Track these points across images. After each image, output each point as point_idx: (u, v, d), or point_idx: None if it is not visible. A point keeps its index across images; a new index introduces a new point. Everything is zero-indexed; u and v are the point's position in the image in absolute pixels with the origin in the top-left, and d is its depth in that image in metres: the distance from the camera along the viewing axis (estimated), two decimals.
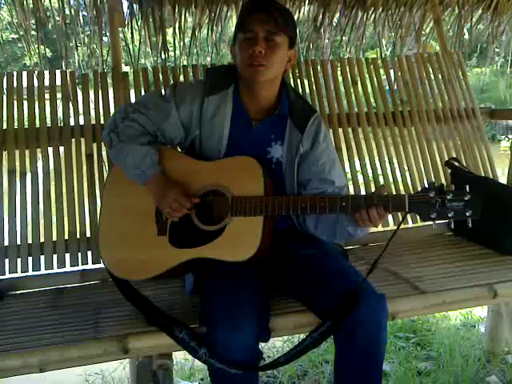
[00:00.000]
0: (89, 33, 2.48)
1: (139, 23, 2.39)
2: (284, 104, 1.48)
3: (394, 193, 2.07)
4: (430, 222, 1.28)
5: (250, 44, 1.37)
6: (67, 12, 2.36)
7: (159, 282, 1.57)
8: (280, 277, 1.47)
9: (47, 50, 2.85)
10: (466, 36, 2.94)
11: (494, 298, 1.51)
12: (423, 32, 2.80)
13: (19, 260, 1.74)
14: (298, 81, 2.13)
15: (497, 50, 3.48)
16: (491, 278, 1.58)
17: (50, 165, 1.83)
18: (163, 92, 1.52)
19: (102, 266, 1.54)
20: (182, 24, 2.46)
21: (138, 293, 1.44)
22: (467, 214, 1.23)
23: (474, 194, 1.22)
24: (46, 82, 1.92)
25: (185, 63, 2.50)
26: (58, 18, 2.37)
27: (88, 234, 1.80)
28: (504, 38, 3.17)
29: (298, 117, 1.48)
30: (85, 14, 2.46)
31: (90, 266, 1.78)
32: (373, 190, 2.05)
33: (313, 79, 2.14)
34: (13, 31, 2.55)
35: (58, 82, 1.93)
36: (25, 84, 1.90)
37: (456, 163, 2.09)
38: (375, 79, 2.22)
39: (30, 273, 1.74)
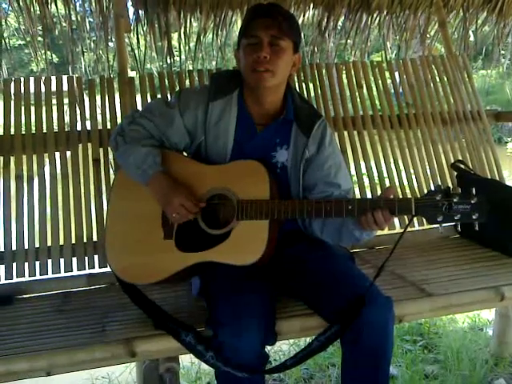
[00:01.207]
0: (95, 38, 2.50)
1: (145, 28, 2.41)
2: (289, 109, 1.48)
3: (400, 195, 2.07)
4: (437, 225, 1.28)
5: (255, 49, 1.37)
6: (73, 18, 2.38)
7: (165, 286, 1.57)
8: (286, 279, 1.47)
9: (54, 55, 2.87)
10: (472, 38, 2.93)
11: (501, 301, 1.51)
12: (428, 35, 2.80)
13: (26, 264, 1.75)
14: (303, 84, 2.14)
15: (502, 52, 3.47)
16: (498, 280, 1.57)
17: (57, 169, 1.85)
18: (169, 99, 1.54)
19: (108, 269, 1.54)
20: (188, 29, 2.48)
21: (144, 296, 1.45)
22: (474, 216, 1.22)
23: (480, 197, 1.22)
24: (53, 88, 1.94)
25: (190, 68, 2.51)
26: (64, 24, 2.39)
27: (95, 238, 1.81)
28: (510, 40, 3.16)
29: (304, 121, 1.48)
30: (91, 19, 2.48)
31: (96, 269, 1.78)
32: (379, 192, 2.04)
33: (318, 83, 2.14)
34: (20, 37, 2.57)
35: (65, 87, 1.95)
36: (32, 90, 1.92)
37: (462, 165, 2.09)
38: (380, 82, 2.22)
39: (38, 277, 1.75)
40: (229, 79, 1.50)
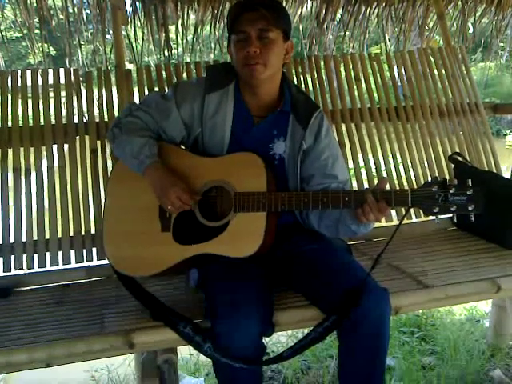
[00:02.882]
0: (92, 31, 2.48)
1: (142, 21, 2.39)
2: (286, 100, 1.48)
3: (398, 188, 2.07)
4: (433, 217, 1.28)
5: (244, 45, 1.37)
6: (70, 10, 2.37)
7: (163, 278, 1.57)
8: (284, 271, 1.48)
9: (51, 48, 2.85)
10: (471, 30, 2.92)
11: (497, 292, 1.51)
12: (427, 27, 2.79)
13: (25, 257, 1.75)
14: (301, 77, 2.13)
15: (501, 44, 3.46)
16: (495, 272, 1.58)
17: (55, 162, 1.85)
18: (165, 92, 1.54)
19: (107, 262, 1.55)
20: (185, 21, 2.47)
21: (142, 288, 1.45)
22: (470, 208, 1.23)
23: (476, 189, 1.23)
24: (50, 80, 1.93)
25: (188, 60, 2.50)
26: (61, 17, 2.38)
27: (93, 231, 1.81)
28: (509, 33, 3.15)
29: (301, 113, 1.48)
30: (88, 12, 2.47)
31: (95, 262, 1.79)
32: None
33: (316, 75, 2.14)
34: (17, 30, 2.56)
35: (62, 80, 1.94)
36: (29, 82, 1.91)
37: (459, 158, 2.09)
38: (378, 75, 2.21)
39: (36, 269, 1.75)
40: (225, 72, 1.50)
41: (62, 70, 1.96)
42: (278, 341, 2.26)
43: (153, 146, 1.42)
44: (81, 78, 1.97)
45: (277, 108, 1.48)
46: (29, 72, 1.93)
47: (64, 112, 1.91)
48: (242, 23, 1.38)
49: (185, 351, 2.02)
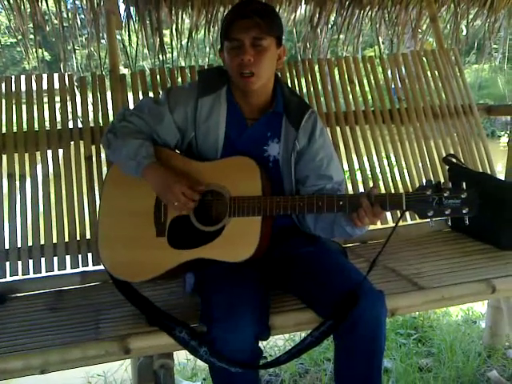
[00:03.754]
0: (86, 35, 2.48)
1: (136, 25, 2.40)
2: (278, 101, 1.48)
3: (392, 190, 2.08)
4: (428, 220, 1.28)
5: (238, 53, 1.37)
6: (64, 15, 2.37)
7: (159, 283, 1.57)
8: (279, 274, 1.48)
9: (46, 53, 2.85)
10: (464, 33, 2.94)
11: (492, 293, 1.52)
12: (420, 29, 2.80)
13: (20, 263, 1.74)
14: (296, 80, 2.14)
15: (495, 46, 3.48)
16: (490, 273, 1.58)
17: (50, 168, 1.84)
18: (159, 97, 1.54)
19: (102, 267, 1.54)
20: (179, 25, 2.47)
21: (138, 293, 1.45)
22: (464, 211, 1.23)
23: (470, 192, 1.23)
24: (45, 86, 1.93)
25: (182, 64, 2.50)
26: (55, 22, 2.38)
27: (88, 236, 1.80)
28: (502, 34, 3.17)
29: (293, 114, 1.48)
30: (82, 16, 2.47)
31: (90, 267, 1.78)
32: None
33: (310, 78, 2.14)
34: (11, 35, 2.55)
35: (56, 85, 1.94)
36: (23, 88, 1.91)
37: (453, 159, 2.09)
38: (372, 77, 2.22)
39: (31, 275, 1.75)
40: (216, 75, 1.50)
41: (56, 75, 1.96)
42: (275, 344, 2.26)
43: (149, 147, 1.42)
44: (75, 83, 1.97)
45: (269, 109, 1.48)
46: (23, 77, 1.92)
47: (58, 117, 1.90)
48: (235, 31, 1.37)
49: (182, 356, 2.02)
